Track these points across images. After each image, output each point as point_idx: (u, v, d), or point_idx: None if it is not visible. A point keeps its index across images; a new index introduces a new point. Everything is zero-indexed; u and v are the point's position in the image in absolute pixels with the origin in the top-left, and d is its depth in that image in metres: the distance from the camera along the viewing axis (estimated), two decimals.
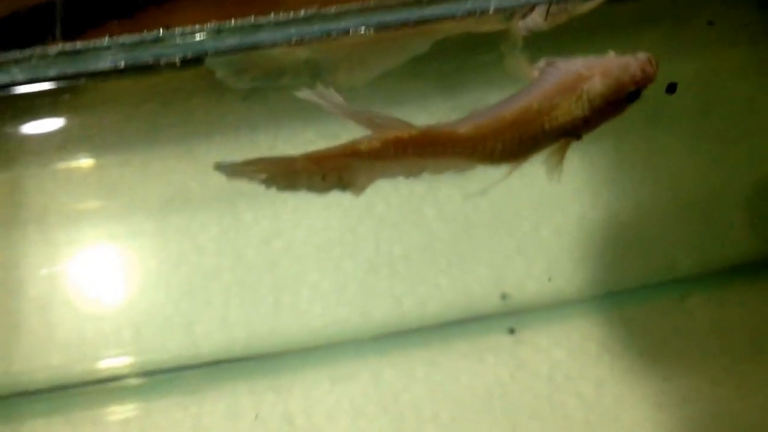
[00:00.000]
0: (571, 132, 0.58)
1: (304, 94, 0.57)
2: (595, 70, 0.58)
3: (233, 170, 0.56)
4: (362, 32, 0.68)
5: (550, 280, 0.75)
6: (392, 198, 0.79)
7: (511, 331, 0.73)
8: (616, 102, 0.58)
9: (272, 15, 0.69)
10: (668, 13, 0.84)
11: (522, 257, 0.76)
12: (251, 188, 0.76)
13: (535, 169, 0.78)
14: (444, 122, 0.59)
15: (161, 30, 0.69)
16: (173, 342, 0.73)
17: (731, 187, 0.77)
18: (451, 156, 0.58)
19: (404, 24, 0.69)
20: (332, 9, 0.70)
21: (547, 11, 0.75)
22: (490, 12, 0.71)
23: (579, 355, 0.72)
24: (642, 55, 0.59)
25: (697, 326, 0.74)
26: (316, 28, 0.70)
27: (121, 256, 0.76)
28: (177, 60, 0.69)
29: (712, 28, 0.83)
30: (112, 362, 0.72)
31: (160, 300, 0.74)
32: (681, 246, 0.76)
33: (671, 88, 0.74)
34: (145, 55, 0.69)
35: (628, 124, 0.79)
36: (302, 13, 0.70)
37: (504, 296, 0.74)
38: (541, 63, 0.60)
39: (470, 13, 0.70)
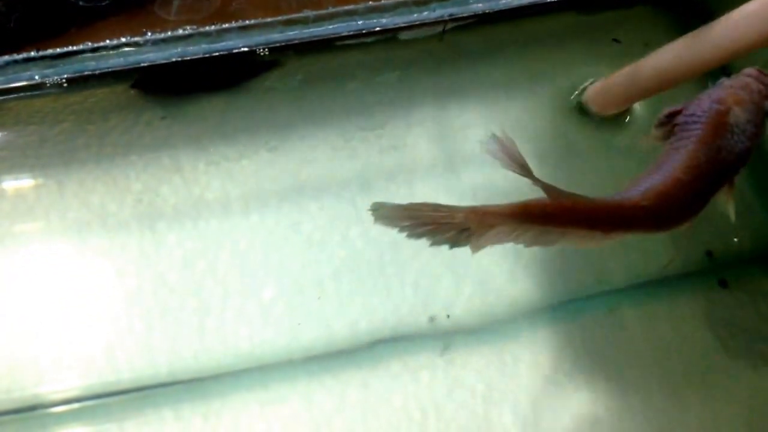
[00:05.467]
0: (735, 169, 0.58)
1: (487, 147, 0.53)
2: (728, 101, 0.58)
3: (389, 212, 0.52)
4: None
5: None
6: (319, 217, 0.77)
7: (444, 352, 0.73)
8: (759, 121, 0.59)
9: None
10: (575, 31, 0.86)
11: (451, 276, 0.75)
12: (171, 209, 0.75)
13: (462, 186, 0.79)
14: (605, 197, 0.56)
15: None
16: (94, 368, 0.69)
17: None
18: (630, 230, 0.56)
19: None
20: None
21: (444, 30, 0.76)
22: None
23: (511, 374, 0.72)
24: (751, 71, 0.60)
25: (628, 339, 0.74)
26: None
27: (38, 281, 0.73)
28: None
29: (618, 45, 0.84)
30: (29, 391, 0.68)
31: (80, 325, 0.71)
32: (609, 259, 0.77)
33: None
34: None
35: (548, 143, 0.80)
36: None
37: (433, 316, 0.74)
38: (661, 117, 0.61)
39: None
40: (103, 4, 0.74)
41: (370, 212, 0.52)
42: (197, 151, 0.79)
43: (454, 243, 0.53)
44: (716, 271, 0.76)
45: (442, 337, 0.73)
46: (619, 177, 0.80)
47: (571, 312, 0.75)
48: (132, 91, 0.80)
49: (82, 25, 0.74)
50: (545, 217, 0.53)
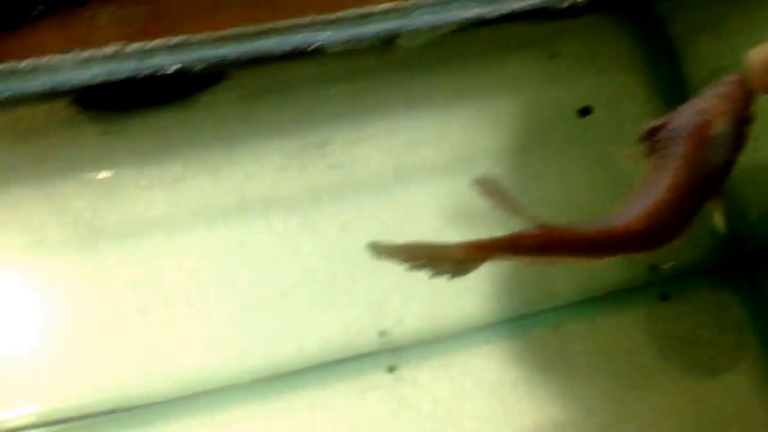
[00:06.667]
0: (719, 181, 0.58)
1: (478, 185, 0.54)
2: (709, 112, 0.58)
3: (386, 250, 0.54)
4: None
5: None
6: (267, 235, 0.76)
7: (391, 369, 0.72)
8: (741, 132, 0.58)
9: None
10: (511, 46, 0.85)
11: (401, 293, 0.75)
12: (114, 229, 0.73)
13: (414, 200, 0.78)
14: (592, 222, 0.57)
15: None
16: (35, 397, 0.68)
17: (595, 214, 0.78)
18: (620, 253, 0.56)
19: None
20: None
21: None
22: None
23: (458, 390, 0.72)
24: (733, 78, 0.59)
25: (573, 354, 0.75)
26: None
27: None
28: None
29: (556, 60, 0.84)
30: None
31: (19, 351, 0.70)
32: (557, 275, 0.77)
33: (585, 111, 0.81)
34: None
35: (500, 155, 0.80)
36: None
37: (383, 333, 0.73)
38: (644, 132, 0.60)
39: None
40: (32, 14, 0.71)
41: (368, 250, 0.54)
42: (140, 167, 0.78)
43: (453, 274, 0.54)
44: (660, 285, 0.77)
45: (390, 355, 0.73)
46: (571, 185, 0.80)
47: (518, 327, 0.75)
48: (72, 108, 0.78)
49: (7, 37, 0.71)
50: (536, 248, 0.54)
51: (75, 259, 0.73)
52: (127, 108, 0.79)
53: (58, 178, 0.76)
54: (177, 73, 0.68)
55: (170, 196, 0.77)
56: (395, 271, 0.73)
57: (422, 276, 0.72)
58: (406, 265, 0.54)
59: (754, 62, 0.56)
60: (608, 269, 0.77)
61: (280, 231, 0.76)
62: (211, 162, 0.79)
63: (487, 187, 0.54)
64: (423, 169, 0.80)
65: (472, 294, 0.75)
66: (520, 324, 0.75)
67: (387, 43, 0.78)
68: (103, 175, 0.77)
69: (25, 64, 0.66)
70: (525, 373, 0.73)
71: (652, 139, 0.61)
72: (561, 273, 0.77)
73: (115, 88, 0.68)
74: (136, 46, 0.67)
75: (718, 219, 0.60)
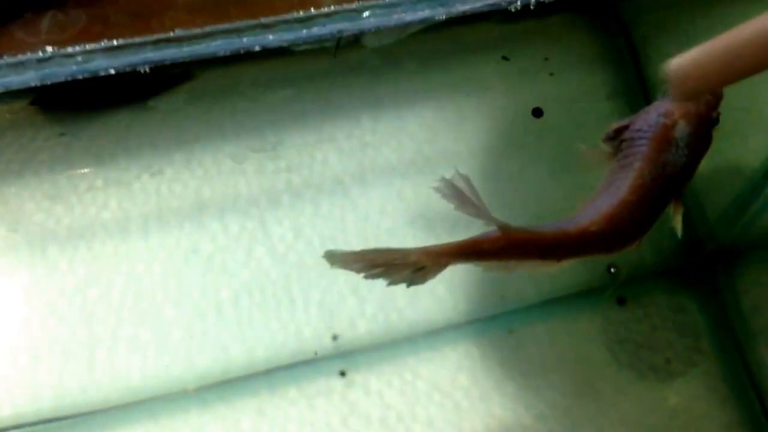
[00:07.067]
0: (682, 184, 0.58)
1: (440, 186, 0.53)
2: (674, 114, 0.57)
3: (342, 259, 0.53)
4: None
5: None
6: (220, 237, 0.75)
7: (342, 374, 0.71)
8: (705, 134, 0.58)
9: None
10: (472, 47, 0.84)
11: (355, 296, 0.74)
12: (65, 231, 0.73)
13: (373, 202, 0.77)
14: (554, 223, 0.57)
15: None
16: None
17: (554, 215, 0.77)
18: (582, 255, 0.56)
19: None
20: None
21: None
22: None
23: (410, 395, 0.71)
24: None
25: (526, 358, 0.73)
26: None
27: None
28: None
29: (508, 62, 0.83)
30: None
31: None
32: (513, 278, 0.76)
33: (538, 112, 0.80)
34: None
35: (461, 156, 0.79)
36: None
37: (335, 337, 0.72)
38: (609, 132, 0.60)
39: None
40: None
41: (324, 259, 0.53)
42: (96, 168, 0.77)
43: (411, 282, 0.53)
44: (616, 288, 0.75)
45: (342, 359, 0.72)
46: (533, 185, 0.79)
47: (472, 331, 0.74)
48: (31, 108, 0.78)
49: None
50: (496, 252, 0.54)
51: (23, 263, 0.73)
52: (89, 108, 0.79)
53: (13, 178, 0.76)
54: (120, 75, 0.68)
55: (124, 198, 0.76)
56: (351, 273, 0.72)
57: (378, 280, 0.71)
58: (363, 273, 0.53)
59: (671, 73, 0.55)
60: (564, 272, 0.75)
61: (235, 233, 0.76)
62: (168, 163, 0.78)
63: (449, 189, 0.53)
64: (382, 170, 0.79)
65: (426, 297, 0.74)
66: (475, 327, 0.74)
67: (351, 44, 0.78)
68: (58, 176, 0.76)
69: None
70: (479, 378, 0.72)
71: (616, 139, 0.60)
72: (517, 275, 0.75)
73: (82, 86, 0.68)
74: (77, 48, 0.67)
75: (677, 223, 0.59)
